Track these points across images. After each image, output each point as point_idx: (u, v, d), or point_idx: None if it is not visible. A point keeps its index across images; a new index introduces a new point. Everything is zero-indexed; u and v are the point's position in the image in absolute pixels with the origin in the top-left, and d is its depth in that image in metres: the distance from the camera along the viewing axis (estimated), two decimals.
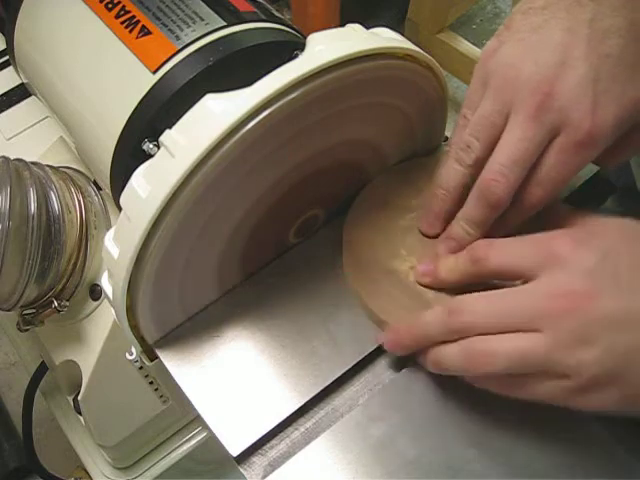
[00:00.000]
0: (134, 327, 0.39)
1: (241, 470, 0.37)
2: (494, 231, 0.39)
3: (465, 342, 0.34)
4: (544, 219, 0.38)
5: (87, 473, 0.80)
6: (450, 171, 0.39)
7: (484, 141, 0.38)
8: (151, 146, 0.44)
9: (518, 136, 0.36)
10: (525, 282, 0.34)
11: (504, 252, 0.35)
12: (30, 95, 0.66)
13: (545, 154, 0.37)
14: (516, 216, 0.39)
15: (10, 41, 0.56)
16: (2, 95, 0.68)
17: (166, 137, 0.34)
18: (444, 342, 0.35)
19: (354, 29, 0.38)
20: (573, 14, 0.36)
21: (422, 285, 0.40)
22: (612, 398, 0.32)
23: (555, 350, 0.32)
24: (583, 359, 0.31)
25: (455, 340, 0.35)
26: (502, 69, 0.37)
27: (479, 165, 0.38)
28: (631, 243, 0.33)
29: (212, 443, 0.38)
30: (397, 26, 1.52)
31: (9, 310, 0.56)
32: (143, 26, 0.47)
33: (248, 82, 0.33)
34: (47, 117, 0.66)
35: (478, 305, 0.34)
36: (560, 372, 0.32)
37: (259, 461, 0.37)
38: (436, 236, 0.42)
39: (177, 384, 0.39)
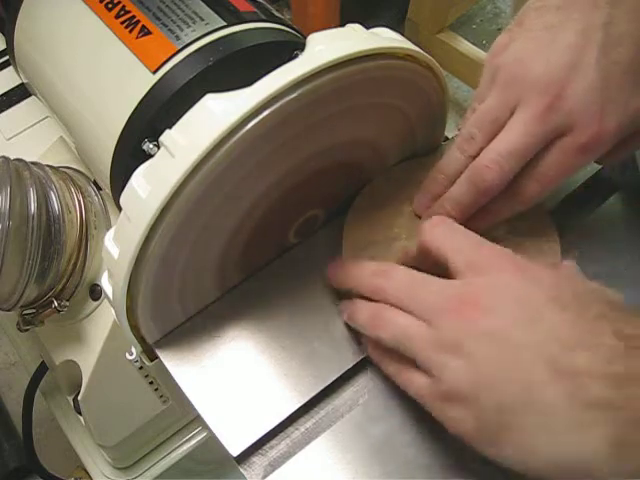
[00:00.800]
0: (134, 327, 0.39)
1: (241, 470, 0.37)
2: (480, 220, 0.40)
3: (378, 305, 0.36)
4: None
5: (87, 473, 0.80)
6: (451, 158, 0.40)
7: (486, 134, 0.38)
8: (151, 146, 0.44)
9: (521, 131, 0.36)
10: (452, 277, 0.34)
11: (446, 237, 0.36)
12: (30, 95, 0.66)
13: (546, 152, 0.37)
14: (506, 208, 0.39)
15: (10, 41, 0.56)
16: (2, 95, 0.68)
17: (166, 137, 0.34)
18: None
19: (354, 29, 0.38)
20: (588, 16, 0.36)
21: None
22: (465, 422, 0.31)
23: (430, 344, 0.32)
24: (447, 364, 0.31)
25: (374, 300, 0.36)
26: (511, 65, 0.38)
27: None
28: (554, 286, 0.32)
29: (212, 443, 0.38)
30: (397, 26, 1.52)
31: (9, 310, 0.56)
32: (143, 26, 0.47)
33: (248, 82, 0.33)
34: (47, 117, 0.66)
35: (399, 276, 0.36)
36: (428, 369, 0.32)
37: (259, 461, 0.37)
38: None
39: (177, 384, 0.39)
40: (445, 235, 0.36)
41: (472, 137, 0.39)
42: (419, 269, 0.36)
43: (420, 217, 0.43)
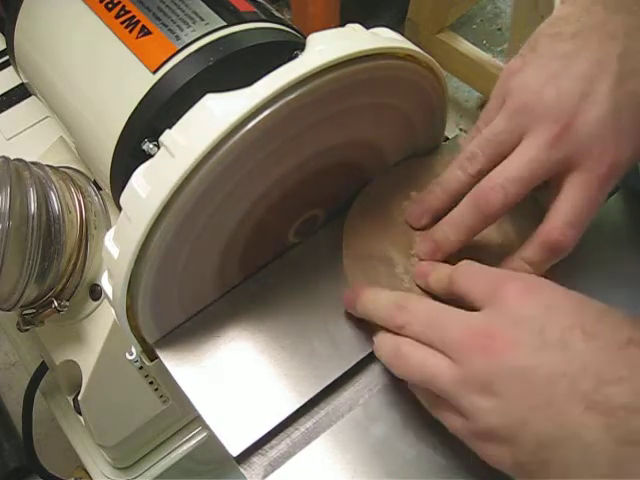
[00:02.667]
0: (134, 327, 0.39)
1: (241, 470, 0.37)
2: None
3: (398, 339, 0.35)
4: None
5: (87, 473, 0.80)
6: (451, 175, 0.40)
7: (488, 156, 0.38)
8: (151, 146, 0.44)
9: (530, 157, 0.36)
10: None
11: (466, 276, 0.35)
12: (30, 95, 0.66)
13: (566, 191, 0.36)
14: (542, 259, 0.37)
15: (10, 41, 0.56)
16: (2, 95, 0.68)
17: (166, 137, 0.34)
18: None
19: (354, 29, 0.38)
20: (604, 47, 0.36)
21: (419, 287, 0.40)
22: (505, 458, 0.30)
23: (458, 385, 0.31)
24: (480, 405, 0.30)
25: (395, 333, 0.35)
26: (522, 92, 0.37)
27: (481, 177, 0.38)
28: (576, 311, 0.31)
29: (212, 443, 0.38)
30: (397, 26, 1.52)
31: (9, 310, 0.56)
32: (143, 26, 0.47)
33: (248, 82, 0.33)
34: (47, 117, 0.66)
35: (419, 309, 0.35)
36: (459, 409, 0.32)
37: (259, 461, 0.37)
38: (421, 229, 0.42)
39: (177, 384, 0.39)
40: (462, 269, 0.35)
41: (474, 157, 0.38)
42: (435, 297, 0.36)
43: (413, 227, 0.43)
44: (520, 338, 0.31)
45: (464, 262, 0.36)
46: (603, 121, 0.35)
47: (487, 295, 0.33)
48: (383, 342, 0.36)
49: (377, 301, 0.37)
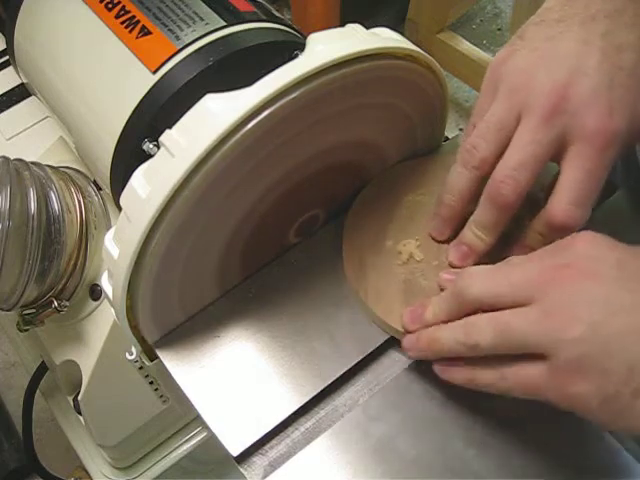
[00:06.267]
0: (134, 327, 0.39)
1: (241, 470, 0.37)
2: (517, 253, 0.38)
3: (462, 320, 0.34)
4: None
5: (87, 473, 0.80)
6: (455, 175, 0.39)
7: (491, 142, 0.37)
8: (151, 146, 0.44)
9: (527, 139, 0.36)
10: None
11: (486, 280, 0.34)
12: (30, 95, 0.66)
13: (566, 165, 0.36)
14: (545, 231, 0.38)
15: (10, 41, 0.56)
16: (2, 95, 0.68)
17: (166, 137, 0.34)
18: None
19: (354, 29, 0.38)
20: (587, 28, 0.37)
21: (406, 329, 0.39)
22: (591, 396, 0.29)
23: (538, 322, 0.30)
24: (565, 336, 0.29)
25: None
26: (514, 74, 0.37)
27: (486, 167, 0.38)
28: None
29: (212, 443, 0.38)
30: (397, 26, 1.52)
31: (9, 310, 0.56)
32: (143, 26, 0.47)
33: (248, 82, 0.33)
34: (47, 117, 0.66)
35: (479, 277, 0.34)
36: (540, 348, 0.31)
37: (259, 461, 0.37)
38: (446, 241, 0.42)
39: (177, 384, 0.39)
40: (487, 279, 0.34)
41: (474, 147, 0.38)
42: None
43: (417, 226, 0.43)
44: (597, 268, 0.30)
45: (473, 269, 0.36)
46: (595, 92, 0.35)
47: (556, 245, 0.33)
48: (447, 327, 0.35)
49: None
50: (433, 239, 0.42)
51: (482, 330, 0.33)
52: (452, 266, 0.40)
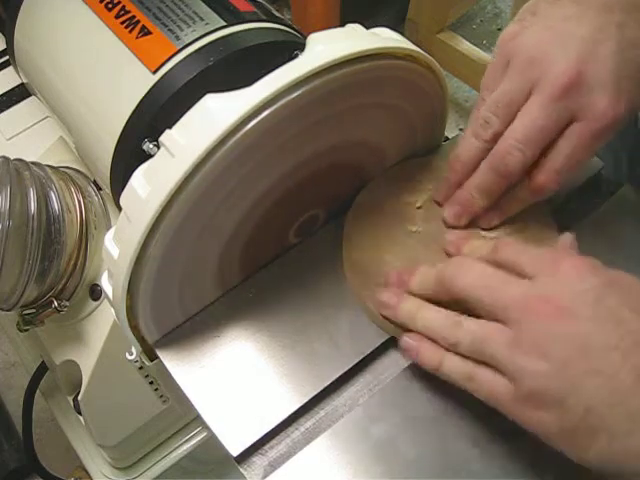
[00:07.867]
0: (134, 327, 0.39)
1: (241, 470, 0.37)
2: (492, 215, 0.41)
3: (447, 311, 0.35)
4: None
5: (87, 473, 0.80)
6: (467, 144, 0.40)
7: (503, 117, 0.38)
8: (151, 146, 0.44)
9: (536, 114, 0.37)
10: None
11: (512, 247, 0.36)
12: (30, 95, 0.66)
13: (560, 139, 0.37)
14: (517, 201, 0.40)
15: (10, 41, 0.56)
16: (2, 95, 0.68)
17: (166, 137, 0.34)
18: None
19: (354, 29, 0.38)
20: (603, 16, 0.37)
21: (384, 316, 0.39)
22: (550, 425, 0.30)
23: (510, 347, 0.31)
24: (532, 367, 0.30)
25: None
26: (528, 50, 0.38)
27: (496, 140, 0.39)
28: (631, 290, 0.32)
29: (212, 443, 0.38)
30: (397, 26, 1.52)
31: (9, 310, 0.56)
32: (143, 26, 0.47)
33: (248, 82, 0.33)
34: (47, 117, 0.66)
35: (474, 272, 0.35)
36: (507, 372, 0.32)
37: (259, 461, 0.37)
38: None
39: (177, 384, 0.39)
40: (507, 241, 0.37)
41: (487, 121, 0.39)
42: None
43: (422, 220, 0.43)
44: (575, 307, 0.31)
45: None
46: (606, 80, 0.36)
47: (542, 266, 0.33)
48: (435, 313, 0.36)
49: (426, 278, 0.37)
50: (437, 204, 0.43)
51: (465, 333, 0.34)
52: (446, 223, 0.42)
